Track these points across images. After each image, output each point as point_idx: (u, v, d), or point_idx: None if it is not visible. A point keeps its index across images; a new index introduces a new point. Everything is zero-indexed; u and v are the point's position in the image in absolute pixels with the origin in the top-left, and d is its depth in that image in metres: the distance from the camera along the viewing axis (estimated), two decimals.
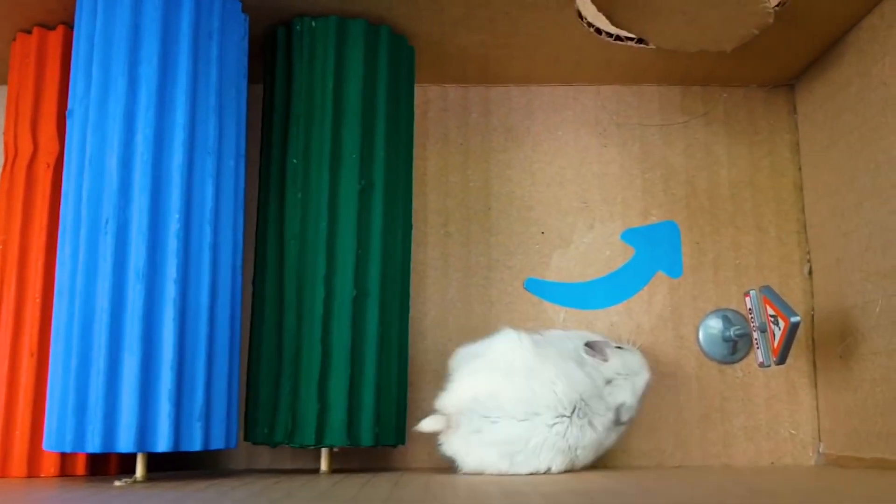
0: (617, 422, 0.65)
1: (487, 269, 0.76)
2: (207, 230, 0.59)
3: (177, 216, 0.57)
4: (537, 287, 0.76)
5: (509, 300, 0.76)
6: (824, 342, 0.72)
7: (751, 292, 0.66)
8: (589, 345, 0.66)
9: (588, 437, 0.63)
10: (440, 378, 0.73)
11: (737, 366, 0.74)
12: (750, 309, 0.66)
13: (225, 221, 0.61)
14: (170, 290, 0.57)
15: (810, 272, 0.75)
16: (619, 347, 0.67)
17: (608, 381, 0.65)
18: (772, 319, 0.63)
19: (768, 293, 0.64)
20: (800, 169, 0.77)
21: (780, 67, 0.76)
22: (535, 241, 0.77)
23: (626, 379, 0.65)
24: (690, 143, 0.79)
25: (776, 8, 0.63)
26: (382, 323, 0.65)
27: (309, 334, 0.63)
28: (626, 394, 0.65)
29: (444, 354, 0.74)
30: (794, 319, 0.60)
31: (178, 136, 0.58)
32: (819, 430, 0.73)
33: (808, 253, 0.75)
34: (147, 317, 0.56)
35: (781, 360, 0.63)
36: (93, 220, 0.57)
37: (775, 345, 0.63)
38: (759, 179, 0.78)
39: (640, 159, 0.78)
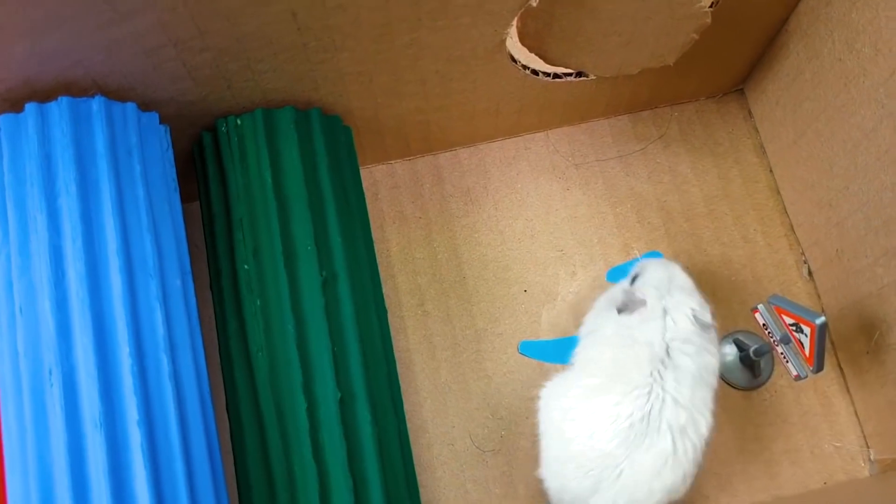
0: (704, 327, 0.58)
1: (476, 341, 0.71)
2: (164, 359, 0.53)
3: (127, 350, 0.52)
4: (533, 349, 0.70)
5: (507, 370, 0.70)
6: (845, 341, 0.67)
7: (759, 307, 0.61)
8: (621, 307, 0.60)
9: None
10: (451, 473, 0.67)
11: (762, 388, 0.69)
12: (763, 325, 0.61)
13: (182, 347, 0.55)
14: (134, 435, 0.50)
15: (810, 273, 0.71)
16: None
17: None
18: (793, 328, 0.58)
19: (778, 302, 0.59)
20: (771, 171, 0.74)
21: (726, 74, 0.74)
22: (520, 302, 0.72)
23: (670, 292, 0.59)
24: (653, 168, 0.75)
25: (710, 8, 0.60)
26: (376, 424, 0.58)
27: (298, 452, 0.56)
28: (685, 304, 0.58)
29: (451, 444, 0.68)
30: (819, 321, 0.55)
31: (113, 263, 0.53)
32: (865, 437, 0.67)
33: (803, 253, 0.71)
34: (114, 470, 0.49)
35: (819, 366, 0.58)
36: (34, 373, 0.50)
37: (807, 353, 0.58)
38: (733, 190, 0.74)
39: (607, 195, 0.75)
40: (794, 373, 0.61)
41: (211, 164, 0.63)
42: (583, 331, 0.64)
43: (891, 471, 0.64)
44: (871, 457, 0.66)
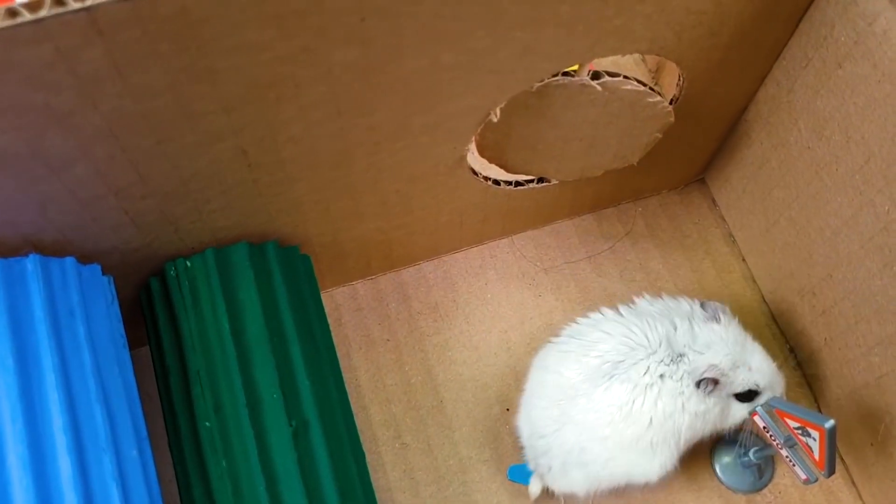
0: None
1: (461, 471, 0.66)
2: None
3: None
4: (523, 474, 0.66)
5: (498, 500, 0.65)
6: (845, 433, 0.64)
7: (758, 410, 0.58)
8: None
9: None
10: None
11: (764, 491, 0.65)
12: (764, 427, 0.58)
13: None
14: None
15: (797, 363, 0.68)
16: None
17: None
18: (798, 431, 0.55)
19: (780, 405, 0.56)
20: (743, 259, 0.72)
21: (687, 166, 0.73)
22: (504, 422, 0.67)
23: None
24: (624, 266, 0.73)
25: (671, 105, 0.59)
26: None
27: None
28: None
29: None
30: (828, 425, 0.52)
31: (60, 441, 0.47)
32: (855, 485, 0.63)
33: (787, 343, 0.69)
34: None
35: (831, 470, 0.54)
36: None
37: (816, 457, 0.55)
38: (708, 282, 0.72)
39: (581, 298, 0.71)
40: (804, 476, 0.57)
41: (161, 312, 0.58)
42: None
43: None
44: None
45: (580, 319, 0.62)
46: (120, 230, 0.54)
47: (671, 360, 0.57)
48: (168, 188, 0.51)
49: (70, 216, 0.50)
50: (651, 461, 0.59)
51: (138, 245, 0.56)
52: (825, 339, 0.63)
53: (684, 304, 0.61)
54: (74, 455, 0.47)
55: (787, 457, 0.58)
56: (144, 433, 0.52)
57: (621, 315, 0.60)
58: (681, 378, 0.57)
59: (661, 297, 0.62)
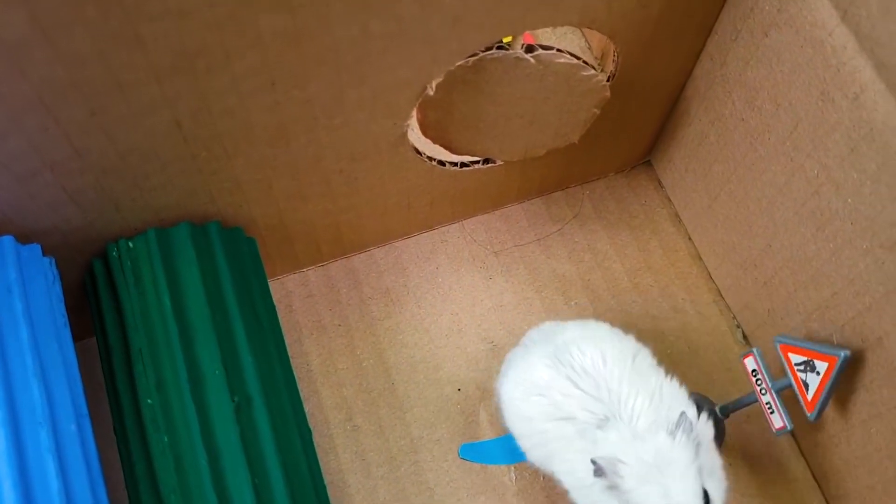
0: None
1: (413, 451, 0.66)
2: None
3: None
4: (475, 452, 0.66)
5: (449, 479, 0.65)
6: (791, 403, 0.65)
7: (752, 352, 0.58)
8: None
9: None
10: None
11: None
12: (753, 371, 0.59)
13: (81, 499, 0.49)
14: None
15: (744, 337, 0.69)
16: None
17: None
18: (800, 367, 0.55)
19: (787, 340, 0.56)
20: (689, 238, 0.73)
21: (631, 148, 0.74)
22: (455, 402, 0.68)
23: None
24: (573, 248, 0.73)
25: (609, 82, 0.60)
26: None
27: None
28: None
29: None
30: (843, 354, 0.52)
31: None
32: (827, 501, 0.64)
33: (734, 317, 0.70)
34: None
35: (821, 410, 0.55)
36: None
37: (810, 398, 0.55)
38: (655, 261, 0.73)
39: (531, 280, 0.72)
40: (779, 425, 0.58)
41: (104, 293, 0.58)
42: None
43: None
44: None
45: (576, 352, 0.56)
46: (59, 208, 0.54)
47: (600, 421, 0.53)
48: (105, 163, 0.51)
49: (6, 192, 0.50)
50: None
51: (79, 224, 0.56)
52: (768, 309, 0.64)
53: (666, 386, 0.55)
54: (9, 428, 0.47)
55: (767, 404, 0.58)
56: (84, 410, 0.52)
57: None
58: (593, 441, 0.53)
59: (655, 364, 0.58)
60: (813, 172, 0.54)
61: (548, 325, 0.62)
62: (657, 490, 0.49)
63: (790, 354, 0.57)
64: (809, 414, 0.56)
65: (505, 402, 0.59)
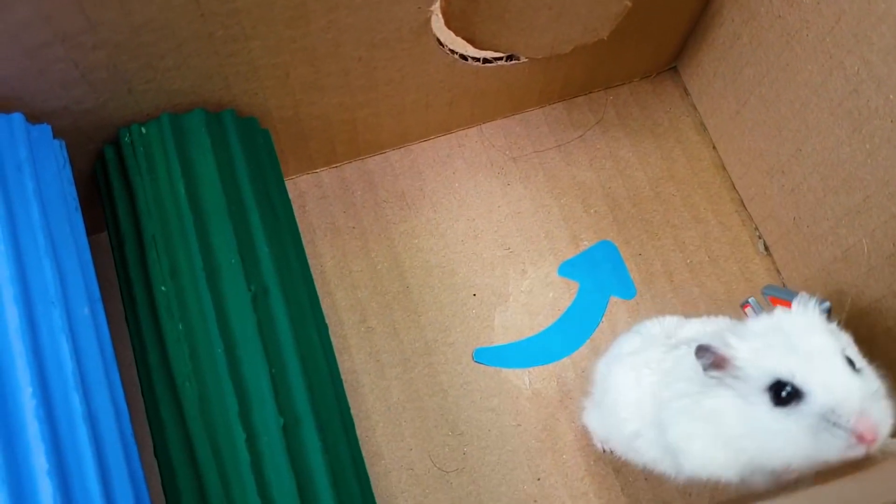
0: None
1: (427, 354, 0.65)
2: (76, 398, 0.46)
3: (30, 390, 0.44)
4: (489, 356, 0.65)
5: (463, 381, 0.65)
6: None
7: (749, 302, 0.57)
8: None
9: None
10: (413, 499, 0.61)
11: None
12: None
13: (96, 383, 0.48)
14: (45, 488, 0.43)
15: (766, 247, 0.68)
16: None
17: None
18: None
19: (774, 292, 0.55)
20: (714, 147, 0.71)
21: (658, 52, 0.71)
22: (470, 307, 0.67)
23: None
24: (594, 155, 0.72)
25: None
26: (327, 451, 0.52)
27: (241, 492, 0.49)
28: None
29: (410, 468, 0.62)
30: (825, 306, 0.51)
31: (6, 292, 0.45)
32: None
33: (756, 228, 0.69)
34: None
35: None
36: None
37: None
38: (678, 170, 0.71)
39: (550, 187, 0.70)
40: None
41: (116, 181, 0.56)
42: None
43: None
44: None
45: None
46: (70, 87, 0.52)
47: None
48: (119, 38, 0.49)
49: (14, 66, 0.48)
50: None
51: (91, 106, 0.54)
52: (794, 217, 0.63)
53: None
54: (22, 306, 0.45)
55: None
56: (97, 295, 0.51)
57: None
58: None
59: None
60: (853, 69, 0.52)
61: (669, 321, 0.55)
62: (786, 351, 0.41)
63: (779, 307, 0.56)
64: None
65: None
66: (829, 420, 0.39)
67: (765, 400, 0.41)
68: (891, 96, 0.50)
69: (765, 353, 0.42)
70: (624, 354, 0.53)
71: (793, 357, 0.41)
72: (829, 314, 0.47)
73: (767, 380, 0.41)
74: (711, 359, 0.42)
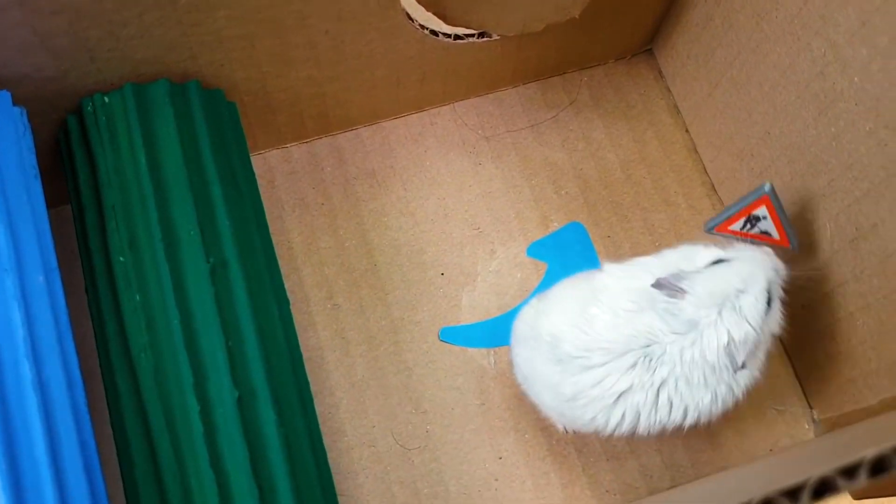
0: (735, 367, 0.50)
1: (393, 332, 0.65)
2: (26, 366, 0.46)
3: None
4: (455, 335, 0.65)
5: (428, 360, 0.64)
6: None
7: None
8: (658, 284, 0.50)
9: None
10: (374, 476, 0.61)
11: None
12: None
13: (48, 351, 0.48)
14: None
15: None
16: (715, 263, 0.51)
17: (692, 325, 0.49)
18: (749, 227, 0.56)
19: (716, 221, 0.56)
20: (687, 130, 0.71)
21: (633, 33, 0.71)
22: (438, 286, 0.67)
23: (721, 309, 0.49)
24: (566, 136, 0.71)
25: None
26: (282, 424, 0.52)
27: (193, 462, 0.49)
28: (726, 329, 0.49)
29: (372, 445, 0.62)
30: (767, 187, 0.52)
31: None
32: (806, 397, 0.64)
33: None
34: None
35: (795, 241, 0.56)
36: None
37: (777, 237, 0.55)
38: (650, 153, 0.71)
39: (521, 167, 0.70)
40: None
41: (78, 150, 0.56)
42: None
43: (836, 429, 0.61)
44: (815, 417, 0.63)
45: None
46: (30, 54, 0.51)
47: None
48: (78, 3, 0.49)
49: None
50: None
51: (53, 74, 0.53)
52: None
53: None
54: None
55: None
56: (54, 264, 0.51)
57: None
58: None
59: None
60: (820, 51, 0.52)
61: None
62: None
63: (730, 227, 0.56)
64: (790, 247, 0.56)
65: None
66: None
67: None
68: (856, 79, 0.49)
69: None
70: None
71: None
72: (774, 193, 0.53)
73: None
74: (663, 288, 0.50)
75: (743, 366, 0.50)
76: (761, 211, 0.53)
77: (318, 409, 0.62)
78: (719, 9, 0.61)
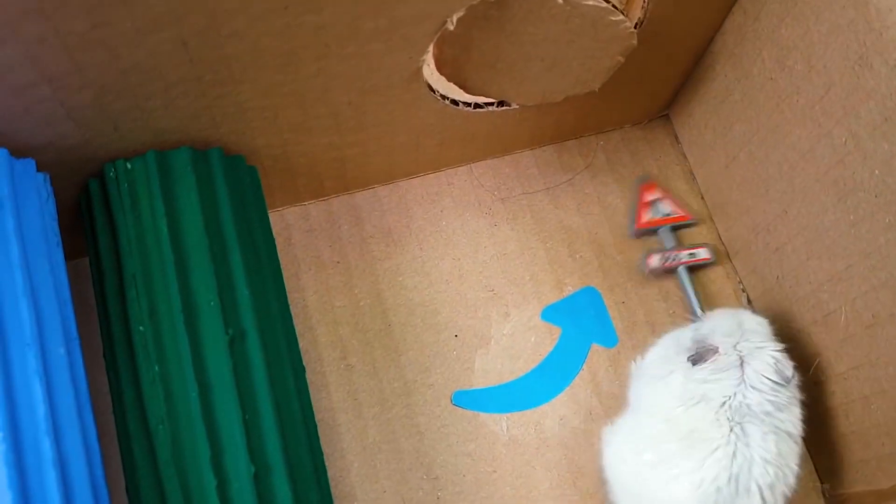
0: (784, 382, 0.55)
1: (406, 394, 0.65)
2: (46, 443, 0.46)
3: (0, 435, 0.44)
4: (468, 399, 0.65)
5: (441, 424, 0.65)
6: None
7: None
8: (695, 357, 0.56)
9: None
10: None
11: None
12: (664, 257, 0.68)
13: (68, 427, 0.48)
14: None
15: (749, 301, 0.68)
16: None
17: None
18: (653, 209, 0.68)
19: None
20: (702, 198, 0.71)
21: (651, 99, 0.71)
22: (451, 348, 0.67)
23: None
24: (582, 199, 0.72)
25: (636, 28, 0.57)
26: (297, 499, 0.52)
27: None
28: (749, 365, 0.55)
29: None
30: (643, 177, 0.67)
31: None
32: (817, 472, 0.64)
33: (741, 282, 0.69)
34: None
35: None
36: None
37: (679, 212, 0.69)
38: None
39: (536, 230, 0.70)
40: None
41: (99, 215, 0.56)
42: (639, 372, 0.60)
43: None
44: (826, 492, 0.63)
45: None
46: (56, 124, 0.52)
47: None
48: (106, 80, 0.49)
49: (0, 105, 0.48)
50: None
51: (76, 142, 0.54)
52: (777, 276, 0.63)
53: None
54: None
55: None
56: (74, 333, 0.51)
57: None
58: None
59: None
60: (840, 140, 0.52)
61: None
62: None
63: (644, 220, 0.69)
64: (692, 218, 0.69)
65: None
66: None
67: None
68: (876, 171, 0.50)
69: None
70: None
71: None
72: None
73: None
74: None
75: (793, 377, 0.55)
76: (653, 195, 0.65)
77: (330, 471, 0.62)
78: (739, 85, 0.61)
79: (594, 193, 0.72)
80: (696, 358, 0.55)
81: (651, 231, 0.69)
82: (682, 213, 0.69)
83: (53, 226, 0.53)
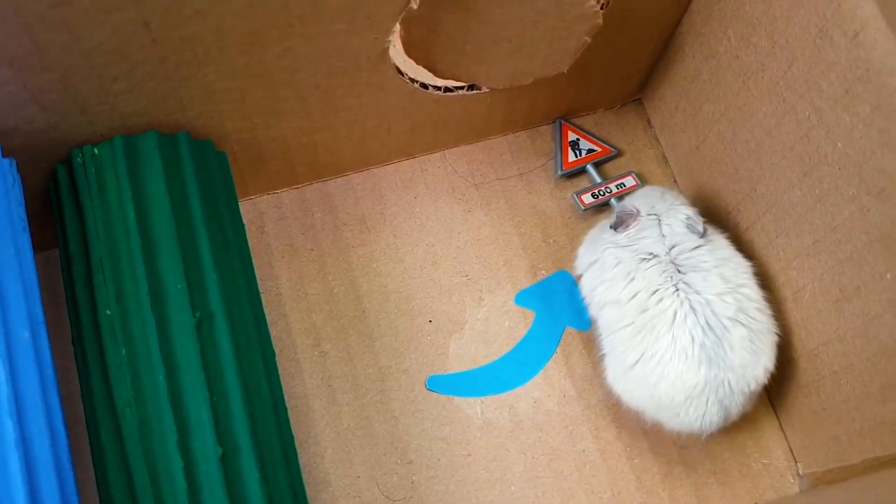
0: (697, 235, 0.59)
1: (380, 380, 0.65)
2: (9, 423, 0.45)
3: None
4: (442, 384, 0.65)
5: (415, 409, 0.64)
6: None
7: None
8: (616, 222, 0.61)
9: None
10: None
11: None
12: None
13: (32, 408, 0.47)
14: None
15: None
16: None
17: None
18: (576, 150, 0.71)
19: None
20: (675, 180, 0.72)
21: (622, 83, 0.71)
22: (425, 333, 0.67)
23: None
24: (555, 184, 0.72)
25: (602, 9, 0.58)
26: (266, 481, 0.51)
27: None
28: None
29: (357, 496, 0.62)
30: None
31: None
32: (792, 451, 0.64)
33: None
34: None
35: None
36: None
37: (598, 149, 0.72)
38: None
39: (510, 215, 0.70)
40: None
41: (67, 201, 0.56)
42: (580, 265, 0.63)
43: (821, 484, 0.61)
44: (800, 471, 0.63)
45: None
46: (20, 108, 0.51)
47: None
48: (69, 61, 0.49)
49: None
50: None
51: (43, 126, 0.54)
52: (748, 257, 0.63)
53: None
54: None
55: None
56: (40, 317, 0.51)
57: None
58: None
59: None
60: (804, 114, 0.52)
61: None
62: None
63: (569, 160, 0.71)
64: (613, 152, 0.72)
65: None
66: None
67: None
68: (839, 144, 0.50)
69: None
70: None
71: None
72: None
73: None
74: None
75: (705, 232, 0.59)
76: (571, 136, 0.68)
77: (303, 458, 0.62)
78: (707, 65, 0.62)
79: (567, 178, 0.72)
80: (618, 223, 0.60)
81: (578, 170, 0.71)
82: (603, 148, 0.72)
83: (20, 211, 0.53)
